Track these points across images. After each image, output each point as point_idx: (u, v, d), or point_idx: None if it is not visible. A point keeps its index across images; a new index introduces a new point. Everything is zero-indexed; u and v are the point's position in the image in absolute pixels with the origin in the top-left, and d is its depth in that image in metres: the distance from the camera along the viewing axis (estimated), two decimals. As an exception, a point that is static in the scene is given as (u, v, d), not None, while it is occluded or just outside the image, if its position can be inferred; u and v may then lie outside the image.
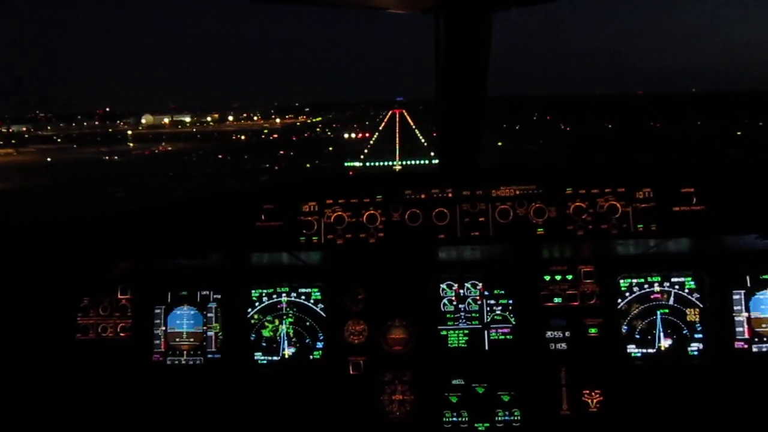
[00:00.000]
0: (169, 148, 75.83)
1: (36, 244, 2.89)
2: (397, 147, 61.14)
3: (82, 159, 60.80)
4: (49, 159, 60.31)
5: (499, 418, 2.92)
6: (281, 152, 63.10)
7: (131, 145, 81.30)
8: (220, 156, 62.45)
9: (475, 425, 2.94)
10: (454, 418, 2.95)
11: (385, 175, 2.79)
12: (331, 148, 66.19)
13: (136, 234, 2.81)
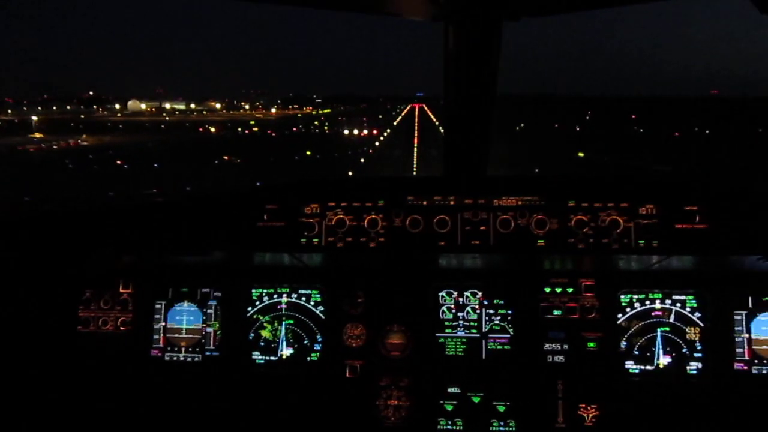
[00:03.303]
0: (85, 143, 73.05)
1: (41, 234, 3.61)
2: (415, 154, 59.78)
3: None
4: None
5: (494, 428, 3.59)
6: (225, 158, 56.91)
7: (37, 135, 79.53)
8: (118, 162, 53.97)
9: None
10: (449, 426, 3.63)
11: (387, 180, 3.43)
12: (308, 152, 60.75)
13: (140, 228, 3.48)
